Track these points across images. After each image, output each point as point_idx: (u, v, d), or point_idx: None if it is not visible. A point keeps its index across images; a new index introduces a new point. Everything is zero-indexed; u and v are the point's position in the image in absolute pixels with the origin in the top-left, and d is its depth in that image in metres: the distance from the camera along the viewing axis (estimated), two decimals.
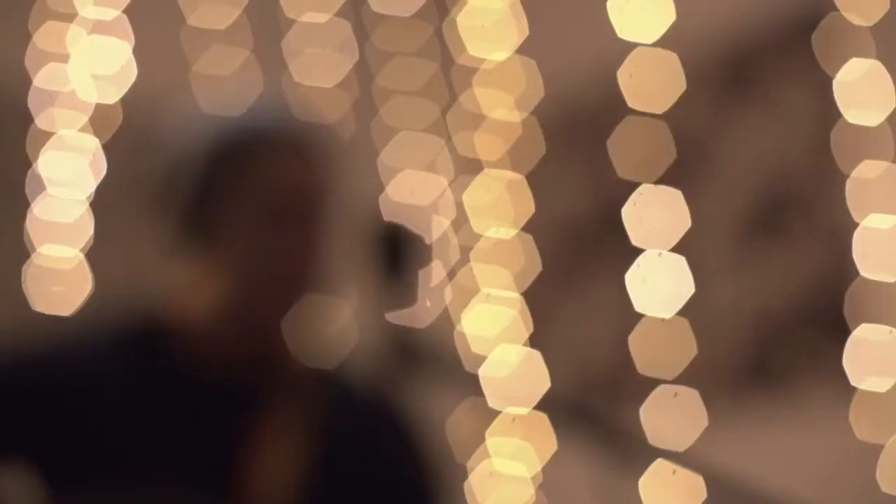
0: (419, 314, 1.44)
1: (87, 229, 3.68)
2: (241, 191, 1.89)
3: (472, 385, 1.50)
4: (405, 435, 1.93)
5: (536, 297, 4.26)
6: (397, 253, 1.42)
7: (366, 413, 1.93)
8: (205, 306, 1.90)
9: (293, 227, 1.90)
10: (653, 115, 3.92)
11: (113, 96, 3.78)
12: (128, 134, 4.23)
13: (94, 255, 3.97)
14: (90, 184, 3.71)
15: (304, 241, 1.90)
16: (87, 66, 3.60)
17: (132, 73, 3.65)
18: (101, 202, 3.98)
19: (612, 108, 4.07)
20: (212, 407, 1.87)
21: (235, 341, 1.90)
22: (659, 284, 3.82)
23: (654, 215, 3.91)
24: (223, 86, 3.78)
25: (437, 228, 3.97)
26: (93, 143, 3.88)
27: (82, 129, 3.87)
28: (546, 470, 3.78)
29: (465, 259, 4.18)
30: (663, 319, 3.81)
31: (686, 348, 3.74)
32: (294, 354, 1.92)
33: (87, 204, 3.72)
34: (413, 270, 1.42)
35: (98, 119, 3.91)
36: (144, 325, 1.93)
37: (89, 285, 3.71)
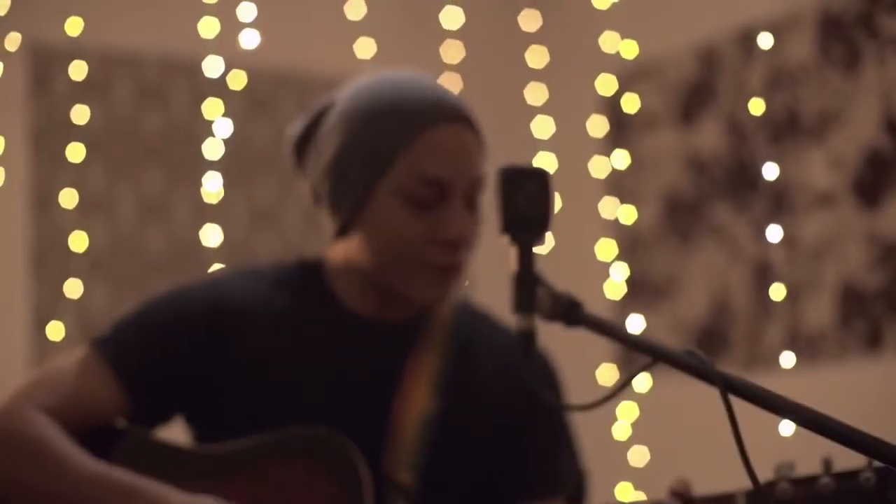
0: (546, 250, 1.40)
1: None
2: (407, 163, 1.76)
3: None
4: (542, 377, 1.87)
5: (645, 253, 4.24)
6: (524, 189, 1.38)
7: (506, 356, 1.88)
8: (359, 266, 1.82)
9: (458, 203, 1.78)
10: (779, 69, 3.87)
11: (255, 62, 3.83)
12: (257, 97, 4.27)
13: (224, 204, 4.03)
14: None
15: (471, 220, 1.79)
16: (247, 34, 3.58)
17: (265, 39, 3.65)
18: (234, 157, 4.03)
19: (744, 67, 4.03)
20: (365, 347, 1.84)
21: (383, 299, 1.84)
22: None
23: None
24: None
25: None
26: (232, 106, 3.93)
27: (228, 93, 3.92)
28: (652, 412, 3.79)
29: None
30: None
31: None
32: (442, 309, 1.88)
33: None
34: (542, 205, 1.38)
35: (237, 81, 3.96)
36: (305, 268, 1.89)
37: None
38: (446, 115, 1.79)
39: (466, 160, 1.79)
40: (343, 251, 1.86)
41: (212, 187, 3.68)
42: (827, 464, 1.36)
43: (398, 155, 1.77)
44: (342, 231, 1.83)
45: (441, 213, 1.78)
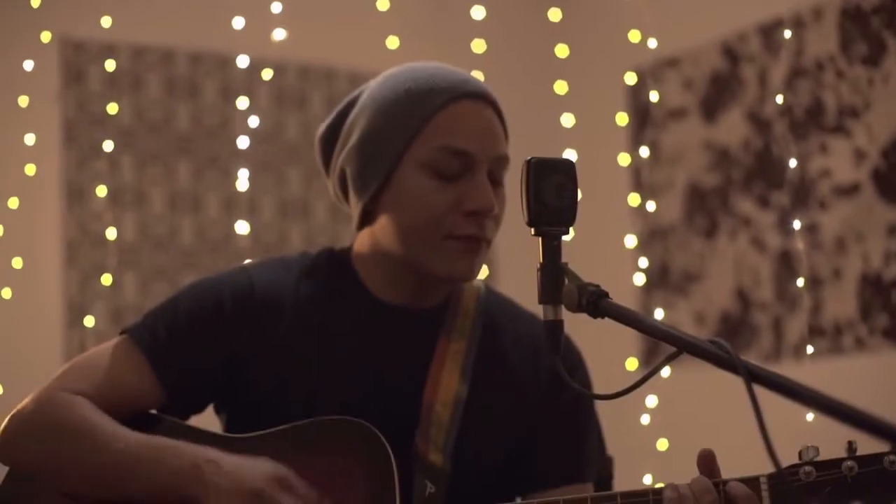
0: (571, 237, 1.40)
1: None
2: (432, 134, 1.78)
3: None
4: (565, 359, 1.85)
5: (669, 244, 4.23)
6: (550, 181, 1.38)
7: (531, 341, 1.88)
8: (386, 248, 1.83)
9: (483, 176, 1.78)
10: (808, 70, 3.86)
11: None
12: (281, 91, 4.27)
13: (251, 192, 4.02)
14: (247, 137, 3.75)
15: (496, 196, 1.79)
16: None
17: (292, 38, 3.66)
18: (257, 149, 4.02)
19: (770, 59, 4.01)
20: (393, 334, 1.84)
21: (406, 283, 1.84)
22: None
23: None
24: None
25: None
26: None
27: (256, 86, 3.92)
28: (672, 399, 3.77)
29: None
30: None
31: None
32: (466, 297, 1.89)
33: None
34: (568, 196, 1.38)
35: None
36: (330, 256, 1.90)
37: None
38: (470, 91, 1.81)
39: (490, 135, 1.80)
40: (369, 239, 1.86)
41: (241, 179, 3.69)
42: (851, 446, 1.36)
43: (424, 126, 1.78)
44: (367, 215, 1.84)
45: (466, 185, 1.78)
